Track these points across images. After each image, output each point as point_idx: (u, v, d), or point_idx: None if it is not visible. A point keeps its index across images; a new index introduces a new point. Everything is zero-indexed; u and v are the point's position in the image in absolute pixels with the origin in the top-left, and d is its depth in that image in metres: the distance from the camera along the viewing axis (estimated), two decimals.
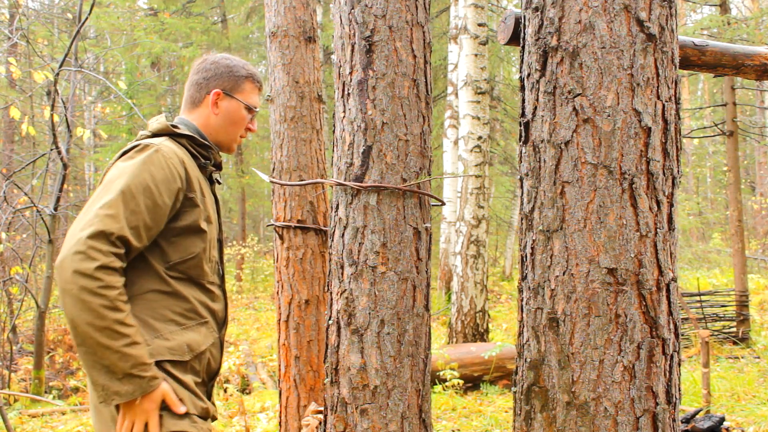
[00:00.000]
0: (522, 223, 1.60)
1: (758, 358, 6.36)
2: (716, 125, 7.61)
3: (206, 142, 1.74)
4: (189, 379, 1.60)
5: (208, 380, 1.72)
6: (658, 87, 1.47)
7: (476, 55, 7.16)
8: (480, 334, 6.91)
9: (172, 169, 1.56)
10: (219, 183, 1.90)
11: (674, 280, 1.49)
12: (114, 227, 1.45)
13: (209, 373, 1.71)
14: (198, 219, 1.62)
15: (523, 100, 1.61)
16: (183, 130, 1.71)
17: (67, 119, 5.98)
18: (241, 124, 1.81)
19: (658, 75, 1.47)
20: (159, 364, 1.54)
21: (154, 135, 1.67)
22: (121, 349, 1.41)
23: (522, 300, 1.59)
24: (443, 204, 2.09)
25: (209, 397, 1.74)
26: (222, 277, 1.78)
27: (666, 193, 1.48)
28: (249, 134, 1.89)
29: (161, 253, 1.59)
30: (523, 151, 1.59)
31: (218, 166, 1.83)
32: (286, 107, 2.96)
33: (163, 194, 1.54)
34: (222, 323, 1.77)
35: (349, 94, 1.81)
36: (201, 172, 1.73)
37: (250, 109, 1.82)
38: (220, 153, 1.84)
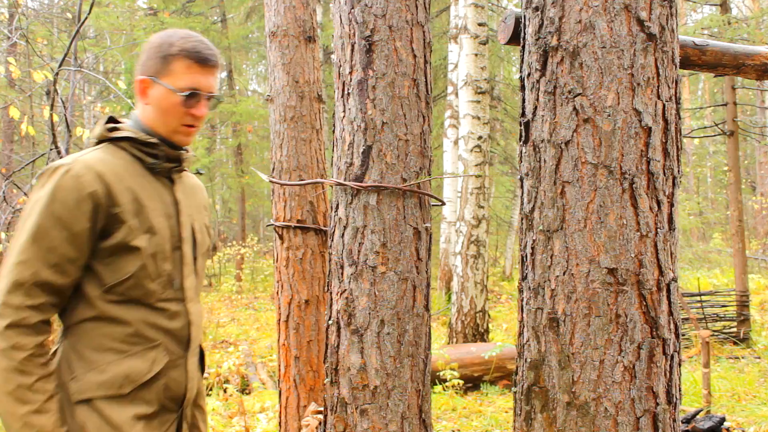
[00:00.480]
0: (522, 223, 1.60)
1: (759, 358, 6.36)
2: (717, 125, 7.61)
3: (150, 139, 1.53)
4: (128, 414, 1.44)
5: (177, 406, 1.56)
6: (658, 87, 1.47)
7: (476, 54, 7.16)
8: (480, 334, 6.91)
9: (85, 187, 1.40)
10: (200, 173, 1.74)
11: (675, 280, 1.49)
12: (26, 275, 1.35)
13: (173, 398, 1.54)
14: (127, 236, 1.44)
15: (524, 100, 1.60)
16: (121, 132, 1.53)
17: (66, 119, 5.97)
18: (173, 112, 1.53)
19: (658, 75, 1.47)
20: (89, 401, 1.42)
21: (99, 141, 1.53)
22: (23, 417, 1.31)
23: (522, 300, 1.59)
24: (443, 204, 2.09)
25: (180, 424, 1.58)
26: (184, 289, 1.57)
27: (666, 193, 1.47)
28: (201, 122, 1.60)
29: (96, 276, 1.44)
30: (524, 150, 1.59)
31: (173, 160, 1.59)
32: (286, 107, 2.95)
33: (79, 219, 1.39)
34: (185, 341, 1.56)
35: (349, 93, 1.81)
36: (153, 175, 1.55)
37: (192, 93, 1.53)
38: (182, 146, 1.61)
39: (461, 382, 5.35)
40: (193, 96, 1.53)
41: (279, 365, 2.96)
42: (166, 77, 1.52)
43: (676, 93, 1.51)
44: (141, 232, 1.47)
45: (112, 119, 1.58)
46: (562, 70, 1.48)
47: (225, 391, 5.55)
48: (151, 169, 1.55)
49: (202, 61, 1.53)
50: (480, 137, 7.15)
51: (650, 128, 1.45)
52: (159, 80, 1.52)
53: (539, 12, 1.53)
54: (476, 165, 7.10)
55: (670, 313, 1.47)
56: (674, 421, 1.48)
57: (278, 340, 2.97)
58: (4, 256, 1.42)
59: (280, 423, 2.94)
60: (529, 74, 1.57)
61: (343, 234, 1.80)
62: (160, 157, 1.55)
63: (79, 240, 1.40)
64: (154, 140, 1.53)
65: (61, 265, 1.39)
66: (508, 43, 1.93)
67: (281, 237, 2.94)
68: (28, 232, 1.38)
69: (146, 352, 1.48)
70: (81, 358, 1.45)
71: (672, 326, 1.48)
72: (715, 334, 7.02)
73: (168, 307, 1.53)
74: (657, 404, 1.44)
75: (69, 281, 1.41)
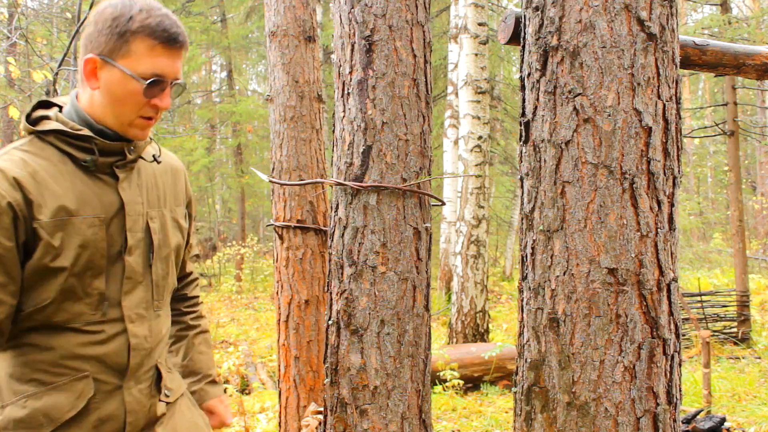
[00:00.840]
0: (522, 223, 1.59)
1: (759, 358, 6.36)
2: (717, 125, 7.60)
3: (81, 131, 1.27)
4: None
5: None
6: (658, 86, 1.46)
7: (476, 54, 7.15)
8: (480, 335, 6.91)
9: (2, 197, 1.19)
10: (158, 162, 1.45)
11: (675, 280, 1.48)
12: None
13: None
14: (45, 256, 1.22)
15: (524, 100, 1.60)
16: (47, 124, 1.28)
17: None
18: (131, 101, 1.26)
19: (658, 74, 1.46)
20: None
21: (29, 133, 1.30)
22: None
23: (522, 300, 1.58)
24: (443, 204, 2.09)
25: None
26: (122, 308, 1.34)
27: (667, 193, 1.47)
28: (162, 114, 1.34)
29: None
30: (524, 150, 1.59)
31: (115, 153, 1.32)
32: (286, 107, 2.95)
33: (0, 238, 1.19)
34: (123, 369, 1.33)
35: (348, 93, 1.81)
36: (88, 173, 1.30)
37: (157, 80, 1.26)
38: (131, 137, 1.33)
39: (461, 382, 5.35)
40: (157, 83, 1.27)
41: (279, 365, 2.96)
42: (124, 59, 1.24)
43: (676, 93, 1.51)
44: (65, 249, 1.24)
45: (43, 104, 1.33)
46: (562, 70, 1.48)
47: (225, 391, 5.56)
48: (86, 167, 1.30)
49: (168, 41, 1.26)
50: (480, 137, 7.15)
51: (650, 128, 1.45)
52: (114, 62, 1.24)
53: (539, 12, 1.53)
54: (476, 165, 7.10)
55: (671, 313, 1.47)
56: (674, 421, 1.48)
57: (278, 340, 2.97)
58: None
59: (280, 423, 2.94)
60: (529, 74, 1.57)
61: (343, 234, 1.80)
62: (94, 151, 1.29)
63: (6, 262, 1.20)
64: (86, 132, 1.27)
65: None
66: (508, 42, 1.92)
67: (281, 237, 2.94)
68: None
69: (73, 383, 1.28)
70: (5, 388, 1.28)
71: (672, 326, 1.47)
72: (716, 334, 7.01)
73: (101, 330, 1.31)
74: (657, 404, 1.44)
75: (3, 311, 1.22)
